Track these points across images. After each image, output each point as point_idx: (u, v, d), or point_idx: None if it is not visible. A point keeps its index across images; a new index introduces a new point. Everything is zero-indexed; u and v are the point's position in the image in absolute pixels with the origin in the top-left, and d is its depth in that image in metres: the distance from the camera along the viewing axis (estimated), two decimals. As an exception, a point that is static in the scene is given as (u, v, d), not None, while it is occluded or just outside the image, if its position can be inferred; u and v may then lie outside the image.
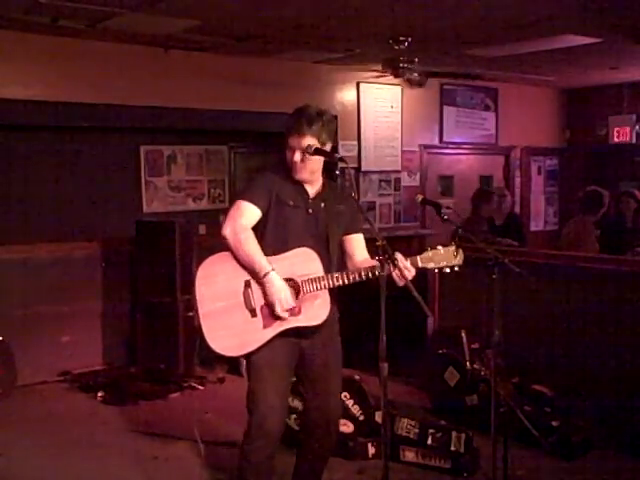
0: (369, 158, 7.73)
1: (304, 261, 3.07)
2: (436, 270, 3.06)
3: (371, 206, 7.80)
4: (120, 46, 6.01)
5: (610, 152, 9.24)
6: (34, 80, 5.71)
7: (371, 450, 4.26)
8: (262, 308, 3.04)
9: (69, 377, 5.92)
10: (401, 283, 2.97)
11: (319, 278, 3.05)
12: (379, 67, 6.78)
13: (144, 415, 5.14)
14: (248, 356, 3.10)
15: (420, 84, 6.95)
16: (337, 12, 5.06)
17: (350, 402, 4.33)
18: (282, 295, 2.98)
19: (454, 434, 4.11)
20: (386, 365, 2.82)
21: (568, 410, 4.41)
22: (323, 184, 3.22)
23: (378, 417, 4.19)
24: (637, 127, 8.68)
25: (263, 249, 3.04)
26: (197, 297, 3.05)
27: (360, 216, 3.32)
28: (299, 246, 3.08)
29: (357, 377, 4.42)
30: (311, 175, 3.15)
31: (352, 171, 6.95)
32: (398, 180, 8.05)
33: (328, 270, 3.10)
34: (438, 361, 4.93)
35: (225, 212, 3.16)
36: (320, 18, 5.24)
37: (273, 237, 3.11)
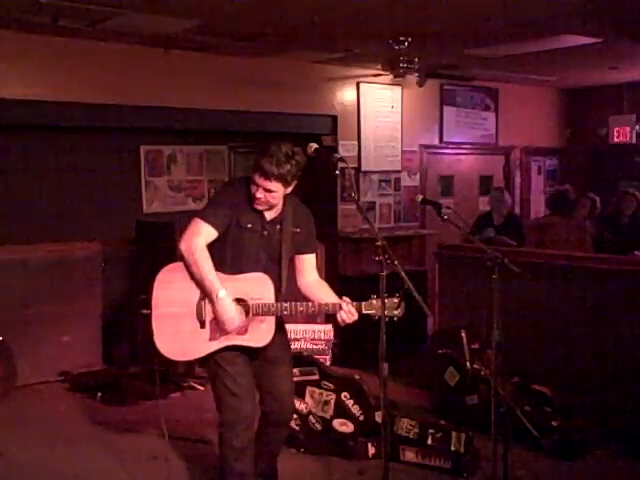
0: (369, 158, 7.72)
1: (258, 285, 3.20)
2: (377, 317, 3.09)
3: (371, 206, 7.79)
4: (120, 46, 6.01)
5: (610, 152, 9.24)
6: (34, 80, 5.71)
7: (371, 450, 4.26)
8: (211, 322, 3.19)
9: (69, 377, 5.92)
10: (342, 324, 3.19)
11: (269, 305, 3.18)
12: (379, 67, 6.80)
13: (144, 415, 5.14)
14: (203, 360, 3.26)
15: (420, 84, 6.96)
16: (337, 12, 5.06)
17: (350, 402, 4.33)
18: (231, 315, 3.13)
19: (454, 434, 4.11)
20: (386, 365, 2.83)
21: (568, 410, 4.41)
22: (283, 208, 3.30)
23: (378, 417, 4.18)
24: (637, 127, 8.68)
25: (220, 266, 3.18)
26: (153, 299, 3.20)
27: (314, 238, 3.45)
28: (254, 267, 3.23)
29: (357, 377, 4.41)
30: (270, 208, 3.26)
31: (352, 171, 6.95)
32: (398, 180, 8.04)
33: (278, 289, 3.26)
34: (438, 361, 4.93)
35: (185, 224, 3.24)
36: (320, 18, 5.24)
37: (230, 255, 3.23)
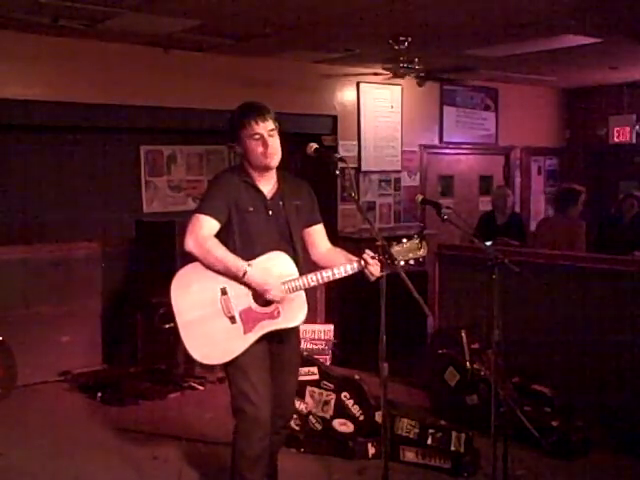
0: (369, 158, 7.73)
1: (278, 264, 3.11)
2: (402, 262, 3.05)
3: (371, 206, 7.80)
4: (120, 46, 6.01)
5: (610, 152, 9.24)
6: (34, 80, 5.71)
7: (371, 450, 4.25)
8: (241, 314, 3.08)
9: (69, 377, 5.92)
10: (372, 279, 3.06)
11: (294, 280, 3.09)
12: (379, 67, 6.80)
13: (144, 415, 5.14)
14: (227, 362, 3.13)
15: (420, 84, 6.97)
16: (337, 12, 5.06)
17: (350, 402, 4.33)
18: (270, 281, 3.04)
19: (454, 434, 4.10)
20: (386, 365, 2.83)
21: (568, 410, 4.41)
22: (277, 180, 3.22)
23: (378, 417, 4.18)
24: (637, 127, 8.69)
25: None
26: (174, 308, 3.08)
27: (316, 206, 3.35)
28: (267, 249, 3.12)
29: (357, 377, 4.41)
30: (279, 158, 3.15)
31: (352, 171, 6.95)
32: (398, 180, 8.05)
33: (296, 266, 3.15)
34: (438, 361, 4.93)
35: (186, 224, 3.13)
36: (320, 18, 5.24)
37: (240, 245, 3.12)
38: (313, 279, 3.11)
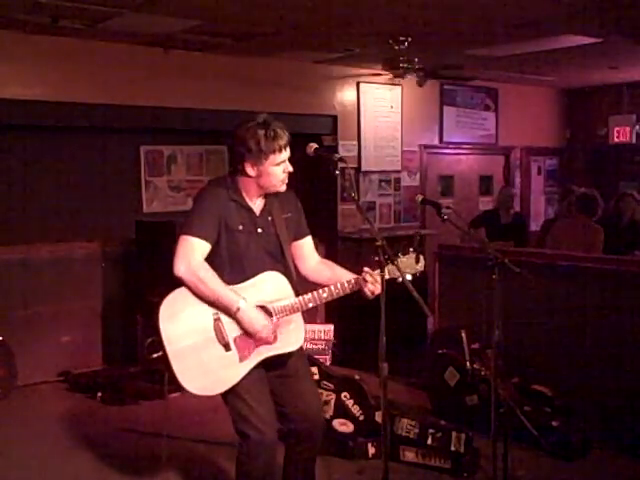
0: (369, 158, 7.73)
1: (272, 286, 2.99)
2: (400, 280, 2.92)
3: (371, 206, 7.80)
4: (120, 46, 6.01)
5: (610, 152, 9.24)
6: (34, 80, 5.71)
7: (371, 450, 4.25)
8: (235, 340, 2.92)
9: (69, 377, 5.92)
10: (370, 297, 2.98)
11: (292, 302, 2.98)
12: (379, 67, 6.80)
13: (144, 415, 5.14)
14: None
15: (420, 84, 6.96)
16: (337, 12, 5.06)
17: (350, 402, 4.33)
18: (261, 323, 2.90)
19: (454, 434, 4.10)
20: (386, 365, 2.82)
21: (568, 410, 4.41)
22: (266, 196, 3.09)
23: (378, 417, 4.18)
24: (637, 127, 8.68)
25: (221, 279, 2.91)
26: (163, 337, 2.86)
27: (304, 217, 3.23)
28: (258, 269, 2.99)
29: (357, 377, 4.41)
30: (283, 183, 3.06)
31: (352, 171, 6.94)
32: (398, 180, 8.04)
33: (290, 283, 3.04)
34: (438, 361, 4.93)
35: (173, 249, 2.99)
36: (320, 18, 5.24)
37: (230, 265, 2.98)
38: (310, 300, 2.99)
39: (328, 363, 5.46)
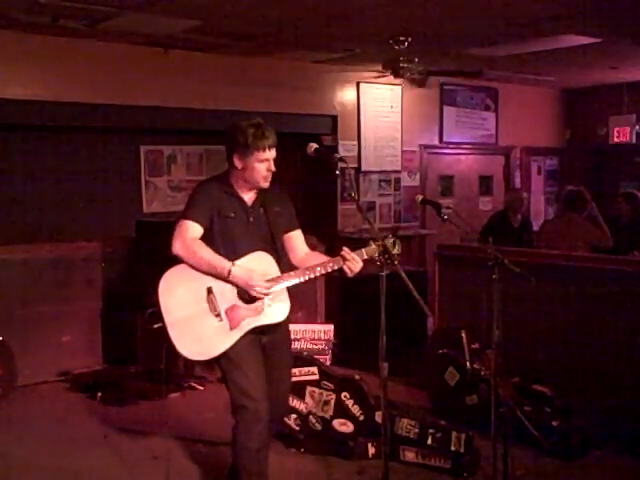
0: (369, 158, 7.73)
1: (261, 264, 3.23)
2: (379, 259, 3.10)
3: (371, 206, 7.80)
4: (120, 46, 6.01)
5: (610, 152, 9.24)
6: (34, 80, 5.71)
7: (371, 450, 4.25)
8: (227, 311, 3.19)
9: (69, 377, 5.91)
10: (350, 275, 3.19)
11: (277, 278, 3.21)
12: (379, 67, 6.79)
13: (144, 415, 5.14)
14: (219, 357, 3.21)
15: (420, 84, 6.96)
16: (337, 12, 5.07)
17: (350, 402, 4.33)
18: (254, 276, 3.14)
19: (454, 434, 4.10)
20: (386, 365, 2.83)
21: (568, 410, 4.41)
22: (257, 191, 3.33)
23: (378, 417, 4.18)
24: (637, 127, 8.69)
25: None
26: (162, 308, 3.17)
27: (294, 212, 3.47)
28: (248, 250, 3.24)
29: (357, 377, 4.41)
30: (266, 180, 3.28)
31: (352, 171, 6.95)
32: (398, 180, 8.05)
33: (278, 266, 3.27)
34: (438, 361, 4.93)
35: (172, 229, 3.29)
36: (320, 18, 5.24)
37: (222, 247, 3.24)
38: (295, 276, 3.21)
39: (328, 363, 5.45)
